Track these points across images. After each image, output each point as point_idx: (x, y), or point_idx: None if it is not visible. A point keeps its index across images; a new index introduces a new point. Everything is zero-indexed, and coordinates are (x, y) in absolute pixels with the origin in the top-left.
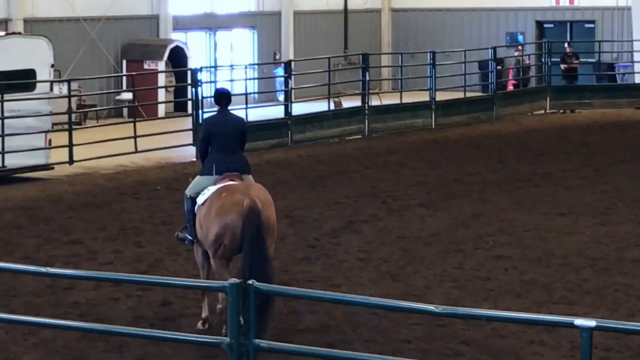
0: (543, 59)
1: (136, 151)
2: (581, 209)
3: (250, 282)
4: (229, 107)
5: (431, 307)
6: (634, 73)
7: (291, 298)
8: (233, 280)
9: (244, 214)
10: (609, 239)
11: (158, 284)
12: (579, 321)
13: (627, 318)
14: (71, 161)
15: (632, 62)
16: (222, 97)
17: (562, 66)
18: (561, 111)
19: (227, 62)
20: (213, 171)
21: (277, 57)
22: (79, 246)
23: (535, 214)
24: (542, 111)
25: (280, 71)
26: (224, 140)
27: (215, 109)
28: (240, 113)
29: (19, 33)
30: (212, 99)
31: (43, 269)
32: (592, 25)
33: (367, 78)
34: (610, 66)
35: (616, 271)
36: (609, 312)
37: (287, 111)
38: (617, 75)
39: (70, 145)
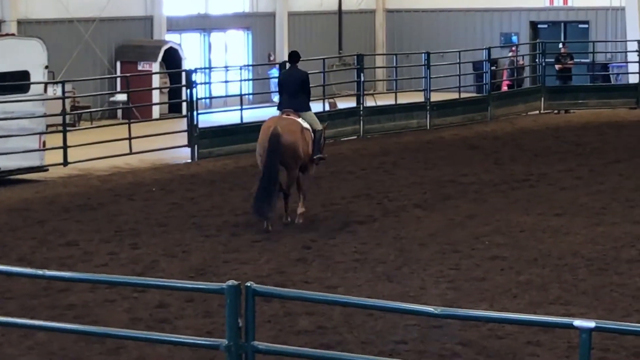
0: (537, 60)
1: (131, 153)
2: (577, 209)
3: (248, 284)
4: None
5: (430, 309)
6: (627, 73)
7: (288, 300)
8: (231, 282)
9: (269, 136)
10: (604, 239)
11: (154, 286)
12: (578, 322)
13: (623, 318)
14: (65, 163)
15: (626, 62)
16: (290, 56)
17: (557, 66)
18: (555, 111)
19: (221, 63)
20: (279, 108)
21: (272, 58)
22: (74, 248)
23: (531, 215)
24: (537, 111)
25: (274, 72)
26: (288, 87)
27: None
28: (235, 114)
29: (13, 34)
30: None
31: (39, 272)
32: (586, 26)
33: (362, 79)
34: (604, 66)
35: (612, 271)
36: (605, 312)
37: None
38: (611, 76)
39: (65, 147)
